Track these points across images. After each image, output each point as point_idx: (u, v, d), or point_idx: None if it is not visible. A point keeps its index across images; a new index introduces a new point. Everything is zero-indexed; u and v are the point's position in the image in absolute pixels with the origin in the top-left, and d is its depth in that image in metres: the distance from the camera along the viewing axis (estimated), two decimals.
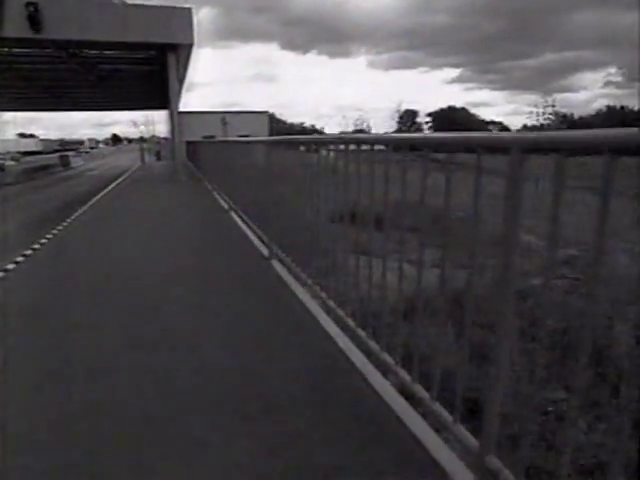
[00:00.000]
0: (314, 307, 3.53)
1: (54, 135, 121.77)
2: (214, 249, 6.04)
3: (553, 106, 70.44)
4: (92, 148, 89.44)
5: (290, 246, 4.26)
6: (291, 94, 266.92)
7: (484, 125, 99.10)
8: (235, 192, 7.79)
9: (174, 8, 13.46)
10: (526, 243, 10.57)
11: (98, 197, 12.18)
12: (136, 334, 3.23)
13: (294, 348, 2.96)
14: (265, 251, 5.17)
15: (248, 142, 7.07)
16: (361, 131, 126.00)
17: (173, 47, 13.68)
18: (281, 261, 4.60)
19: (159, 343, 3.06)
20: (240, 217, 7.24)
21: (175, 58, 14.02)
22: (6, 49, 16.37)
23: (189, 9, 13.48)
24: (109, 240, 6.83)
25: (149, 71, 20.30)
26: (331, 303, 3.13)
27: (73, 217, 9.04)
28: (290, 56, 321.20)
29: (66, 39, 13.08)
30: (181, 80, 18.02)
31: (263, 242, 5.39)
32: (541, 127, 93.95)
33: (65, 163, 33.22)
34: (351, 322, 2.82)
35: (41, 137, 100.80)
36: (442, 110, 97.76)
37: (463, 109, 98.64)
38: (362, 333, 2.66)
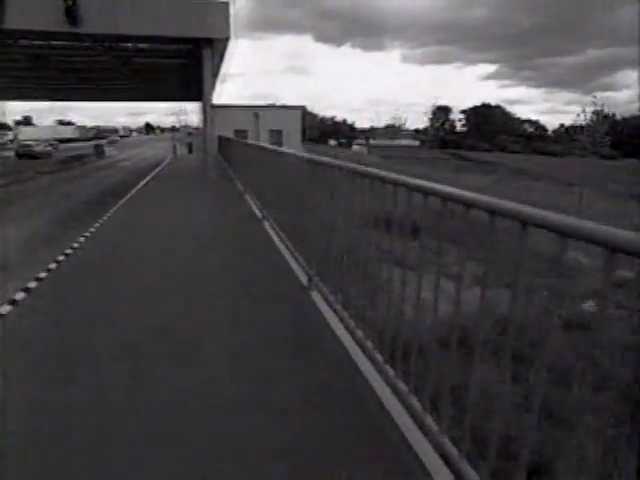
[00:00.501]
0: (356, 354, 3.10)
1: (90, 123, 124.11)
2: (244, 271, 5.43)
3: (596, 104, 66.73)
4: (125, 136, 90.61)
5: (328, 269, 3.78)
6: (323, 87, 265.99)
7: (520, 124, 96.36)
8: (269, 200, 7.33)
9: (210, 2, 13.05)
10: (574, 261, 9.79)
11: (125, 199, 11.96)
12: None
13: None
14: (303, 277, 4.67)
15: (285, 154, 6.60)
16: (392, 127, 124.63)
17: (208, 41, 13.28)
18: (321, 292, 4.03)
19: None
20: (274, 229, 6.77)
21: (210, 52, 13.64)
22: (44, 42, 16.39)
23: (226, 3, 12.99)
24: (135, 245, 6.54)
25: (183, 64, 20.02)
26: (369, 344, 2.87)
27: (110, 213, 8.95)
28: (324, 49, 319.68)
29: (102, 33, 12.88)
30: (215, 74, 17.71)
31: (300, 264, 4.86)
32: (581, 128, 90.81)
33: (99, 152, 33.55)
34: (390, 371, 2.58)
35: (78, 124, 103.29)
36: (476, 107, 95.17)
37: (498, 107, 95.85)
38: (403, 387, 2.42)
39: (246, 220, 8.21)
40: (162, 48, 17.19)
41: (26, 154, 31.20)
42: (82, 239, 6.96)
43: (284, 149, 6.73)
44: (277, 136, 28.64)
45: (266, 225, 7.36)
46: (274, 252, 5.95)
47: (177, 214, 9.35)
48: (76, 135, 67.07)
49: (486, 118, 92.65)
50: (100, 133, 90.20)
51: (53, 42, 16.16)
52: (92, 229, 7.72)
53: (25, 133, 61.70)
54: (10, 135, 61.50)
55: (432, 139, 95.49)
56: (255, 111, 28.63)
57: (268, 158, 7.13)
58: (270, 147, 7.42)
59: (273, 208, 6.97)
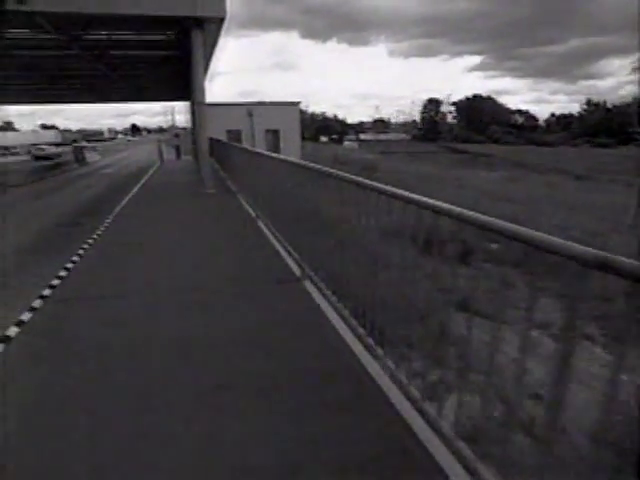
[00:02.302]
0: None
1: (75, 126, 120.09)
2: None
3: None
4: (111, 139, 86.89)
5: None
6: (311, 83, 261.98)
7: (509, 114, 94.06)
8: (297, 234, 4.80)
9: None
10: None
11: (105, 225, 9.07)
12: None
13: None
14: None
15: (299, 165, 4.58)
16: (381, 121, 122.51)
17: (199, 23, 10.36)
18: None
19: None
20: (325, 297, 4.06)
21: (201, 37, 10.66)
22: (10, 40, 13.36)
23: None
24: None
25: (166, 57, 17.10)
26: None
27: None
28: (310, 44, 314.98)
29: (53, 11, 9.67)
30: (206, 65, 14.59)
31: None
32: (571, 116, 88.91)
33: (80, 159, 30.29)
34: None
35: (62, 128, 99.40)
36: (467, 99, 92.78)
37: (489, 98, 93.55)
38: None
39: (268, 259, 5.40)
40: (141, 38, 14.25)
41: (41, 156, 35.64)
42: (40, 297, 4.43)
43: (312, 165, 4.27)
44: (274, 136, 25.68)
45: (309, 287, 4.58)
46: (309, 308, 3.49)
47: (171, 252, 6.49)
48: (59, 139, 63.18)
49: (477, 110, 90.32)
50: (85, 136, 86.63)
51: (16, 34, 13.16)
52: (55, 279, 5.27)
53: (4, 139, 58.41)
54: None
55: (422, 132, 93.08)
56: (248, 108, 25.43)
57: (293, 174, 4.89)
58: (279, 157, 5.85)
59: (306, 244, 4.36)
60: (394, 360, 2.81)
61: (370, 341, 3.05)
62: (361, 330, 3.22)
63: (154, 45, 15.38)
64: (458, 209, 1.99)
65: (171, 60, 17.77)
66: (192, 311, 4.22)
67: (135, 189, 14.29)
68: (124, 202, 11.47)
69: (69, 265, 5.93)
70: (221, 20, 10.51)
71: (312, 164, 4.32)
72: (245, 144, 20.10)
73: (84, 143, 61.30)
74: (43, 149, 39.03)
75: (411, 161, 44.32)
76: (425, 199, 2.28)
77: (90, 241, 7.35)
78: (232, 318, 4.02)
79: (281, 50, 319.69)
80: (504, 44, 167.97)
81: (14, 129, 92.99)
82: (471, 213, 1.90)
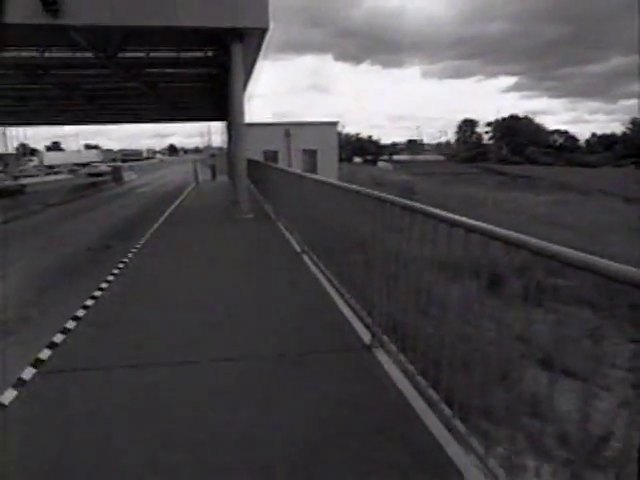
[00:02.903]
0: None
1: (117, 146, 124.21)
2: None
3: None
4: (149, 158, 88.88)
5: None
6: (344, 104, 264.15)
7: (549, 134, 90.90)
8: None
9: None
10: None
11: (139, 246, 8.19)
12: None
13: None
14: None
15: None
16: (414, 142, 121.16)
17: (239, 35, 9.55)
18: None
19: None
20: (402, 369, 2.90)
21: (241, 51, 9.84)
22: (42, 56, 13.00)
23: None
24: None
25: (203, 75, 16.50)
26: None
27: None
28: (344, 67, 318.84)
29: (90, 24, 8.99)
30: (245, 83, 13.69)
31: None
32: (613, 136, 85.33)
33: (117, 178, 30.30)
34: None
35: (105, 148, 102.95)
36: (504, 119, 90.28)
37: (526, 118, 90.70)
38: None
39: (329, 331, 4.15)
40: (179, 55, 13.60)
41: (94, 173, 39.14)
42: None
43: (366, 190, 3.79)
44: (311, 156, 24.82)
45: (382, 356, 3.40)
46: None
47: (206, 294, 5.37)
48: (100, 159, 64.84)
49: (514, 130, 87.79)
50: (125, 155, 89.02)
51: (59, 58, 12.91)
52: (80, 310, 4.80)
53: (49, 158, 60.64)
54: (35, 161, 61.03)
55: (458, 153, 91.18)
56: (286, 128, 24.72)
57: (341, 200, 4.41)
58: (343, 186, 4.62)
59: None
60: (480, 442, 2.23)
61: (446, 410, 2.50)
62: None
63: (192, 63, 14.71)
64: (535, 240, 1.82)
65: (208, 79, 17.22)
66: (233, 392, 3.10)
67: (169, 210, 13.55)
68: (157, 225, 10.69)
69: (97, 293, 5.40)
70: (263, 32, 9.65)
71: (367, 190, 3.79)
72: (281, 164, 19.28)
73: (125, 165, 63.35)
74: (97, 167, 44.67)
75: (449, 183, 42.74)
76: (492, 227, 2.11)
77: (117, 270, 6.63)
78: (289, 405, 2.90)
79: (315, 72, 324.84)
80: (541, 64, 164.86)
81: (60, 149, 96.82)
82: (556, 247, 1.70)
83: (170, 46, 12.55)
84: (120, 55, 12.67)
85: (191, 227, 10.39)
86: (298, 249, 7.15)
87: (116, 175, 30.42)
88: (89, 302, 5.05)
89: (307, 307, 4.71)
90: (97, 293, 5.39)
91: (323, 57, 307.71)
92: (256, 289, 5.52)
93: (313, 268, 5.99)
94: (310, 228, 6.31)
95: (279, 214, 9.99)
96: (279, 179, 10.04)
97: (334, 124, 25.72)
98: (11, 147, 77.71)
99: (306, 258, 6.51)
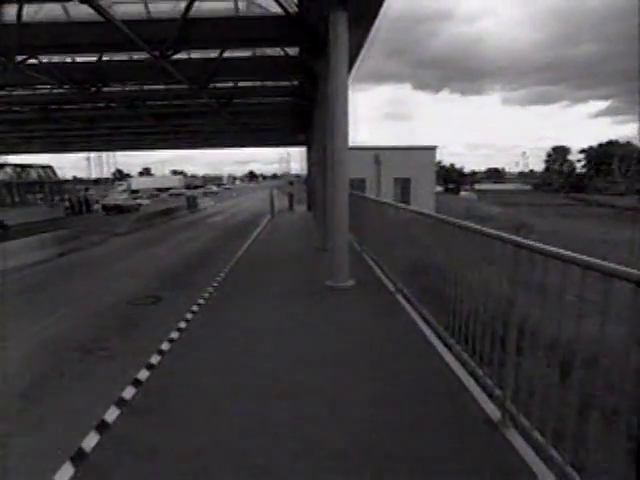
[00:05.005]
0: None
1: (201, 171, 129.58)
2: None
3: None
4: (227, 184, 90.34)
5: None
6: (423, 132, 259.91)
7: None
8: None
9: None
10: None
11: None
12: None
13: None
14: None
15: None
16: (495, 170, 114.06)
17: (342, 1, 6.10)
18: None
19: None
20: None
21: (345, 20, 6.28)
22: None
23: None
24: None
25: (289, 101, 14.05)
26: None
27: None
28: (422, 95, 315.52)
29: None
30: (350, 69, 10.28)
31: None
32: None
33: (192, 205, 28.34)
34: None
35: (190, 174, 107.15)
36: (600, 146, 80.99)
37: (628, 143, 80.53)
38: None
39: None
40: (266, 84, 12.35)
41: (174, 194, 45.52)
42: None
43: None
44: (404, 186, 20.91)
45: None
46: None
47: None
48: (182, 184, 65.95)
49: (612, 157, 78.28)
50: (207, 181, 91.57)
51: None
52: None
53: (136, 183, 62.55)
54: (124, 185, 63.67)
55: (545, 182, 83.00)
56: (375, 153, 21.01)
57: None
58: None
59: None
60: None
61: None
62: None
63: (278, 92, 13.11)
64: None
65: (293, 106, 15.09)
66: None
67: (237, 256, 10.42)
68: (220, 276, 7.43)
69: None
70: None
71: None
72: (369, 195, 15.69)
73: (214, 188, 65.35)
74: (181, 193, 49.62)
75: (548, 216, 36.87)
76: None
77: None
78: None
79: (394, 101, 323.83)
80: (638, 86, 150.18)
81: (150, 174, 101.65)
82: None
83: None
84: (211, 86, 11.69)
85: (257, 301, 6.60)
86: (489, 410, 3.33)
87: (191, 202, 28.47)
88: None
89: None
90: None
91: (401, 86, 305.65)
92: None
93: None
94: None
95: (396, 276, 6.26)
96: (390, 222, 6.38)
97: (432, 149, 21.57)
98: (109, 172, 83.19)
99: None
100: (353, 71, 9.28)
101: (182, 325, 5.59)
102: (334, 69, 6.52)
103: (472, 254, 3.62)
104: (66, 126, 17.46)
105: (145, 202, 36.94)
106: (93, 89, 11.92)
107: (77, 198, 30.69)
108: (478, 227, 3.56)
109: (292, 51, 9.37)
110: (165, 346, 4.88)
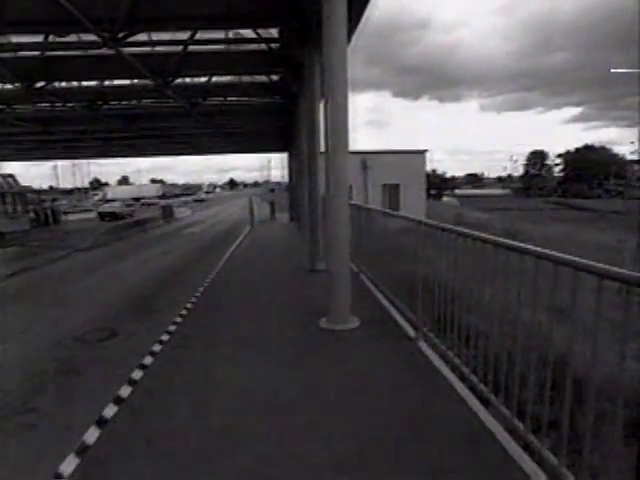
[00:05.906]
0: None
1: (181, 180, 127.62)
2: None
3: None
4: (208, 192, 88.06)
5: None
6: (402, 139, 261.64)
7: (629, 165, 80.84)
8: None
9: None
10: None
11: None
12: None
13: None
14: None
15: None
16: (474, 175, 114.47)
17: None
18: None
19: None
20: None
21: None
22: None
23: None
24: None
25: (270, 107, 12.62)
26: None
27: None
28: (402, 102, 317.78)
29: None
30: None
31: None
32: None
33: (167, 215, 26.40)
34: None
35: (170, 182, 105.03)
36: (577, 150, 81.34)
37: (603, 148, 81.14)
38: None
39: None
40: (242, 80, 11.34)
41: (147, 204, 44.62)
42: None
43: None
44: (393, 193, 19.43)
45: None
46: None
47: None
48: (160, 193, 63.60)
49: (588, 161, 78.75)
50: (187, 189, 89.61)
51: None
52: None
53: (113, 192, 60.44)
54: (100, 195, 61.40)
55: (526, 187, 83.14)
56: (362, 158, 19.39)
57: None
58: None
59: None
60: None
61: None
62: None
63: (256, 90, 12.49)
64: None
65: (273, 108, 13.87)
66: None
67: (219, 265, 8.78)
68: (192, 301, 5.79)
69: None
70: None
71: None
72: (355, 202, 14.19)
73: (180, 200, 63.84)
74: (151, 200, 50.75)
75: (540, 221, 35.99)
76: None
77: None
78: None
79: (374, 109, 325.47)
80: (609, 93, 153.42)
81: (129, 183, 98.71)
82: None
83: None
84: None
85: (222, 358, 4.49)
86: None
87: (166, 212, 26.53)
88: None
89: None
90: None
91: (381, 93, 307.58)
92: None
93: None
94: None
95: (411, 307, 4.69)
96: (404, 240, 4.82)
97: (422, 153, 20.12)
98: (87, 181, 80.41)
99: None
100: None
101: (137, 376, 4.06)
102: (333, 38, 4.89)
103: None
104: (20, 129, 15.53)
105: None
106: (38, 84, 10.16)
107: (43, 209, 28.44)
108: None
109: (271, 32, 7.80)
110: (109, 411, 3.40)
